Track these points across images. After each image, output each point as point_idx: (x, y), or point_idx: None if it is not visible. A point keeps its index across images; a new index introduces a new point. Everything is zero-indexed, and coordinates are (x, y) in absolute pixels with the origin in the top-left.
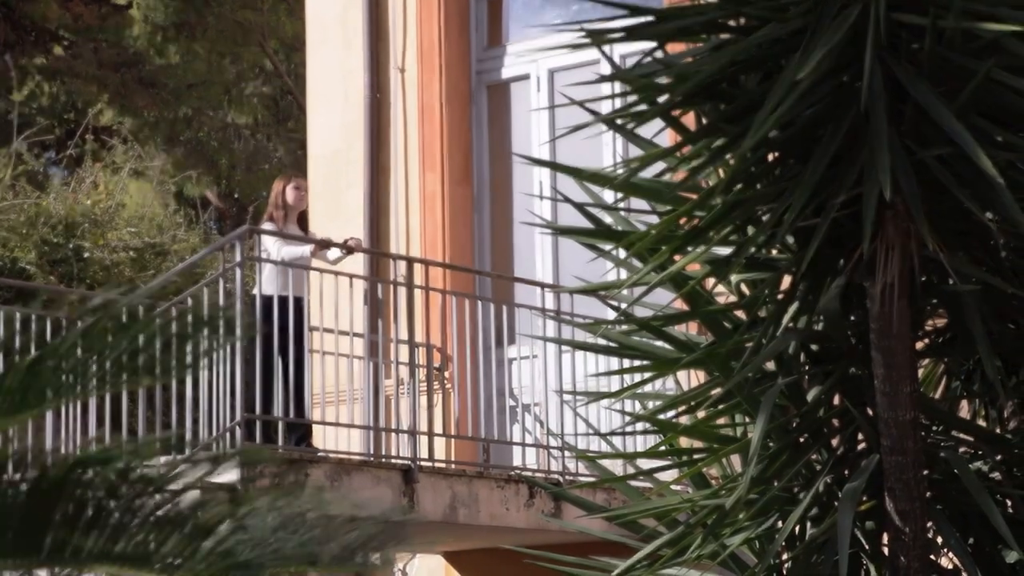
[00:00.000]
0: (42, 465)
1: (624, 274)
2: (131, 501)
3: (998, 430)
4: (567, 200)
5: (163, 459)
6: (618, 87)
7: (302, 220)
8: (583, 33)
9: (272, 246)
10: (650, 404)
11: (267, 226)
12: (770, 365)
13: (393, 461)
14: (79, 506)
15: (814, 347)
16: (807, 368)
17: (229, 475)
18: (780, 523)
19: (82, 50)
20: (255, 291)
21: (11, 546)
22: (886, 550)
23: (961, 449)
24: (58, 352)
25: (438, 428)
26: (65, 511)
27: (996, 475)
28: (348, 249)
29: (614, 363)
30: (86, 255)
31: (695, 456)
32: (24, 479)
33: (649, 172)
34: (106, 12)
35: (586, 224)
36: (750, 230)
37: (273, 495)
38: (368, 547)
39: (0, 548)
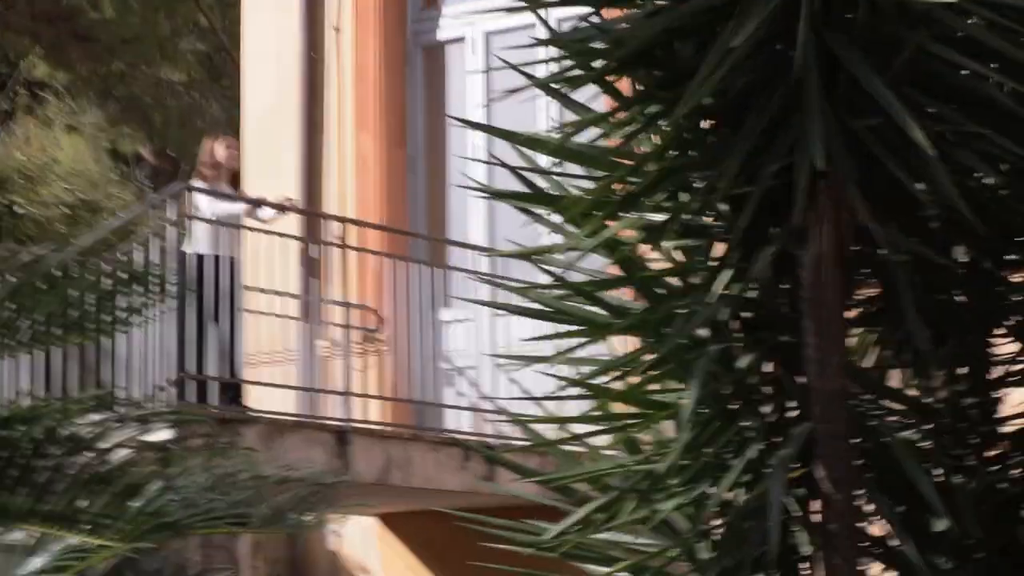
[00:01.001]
0: None
1: (558, 239)
2: (59, 460)
3: (927, 400)
4: (502, 164)
5: (95, 417)
6: (553, 52)
7: (234, 180)
8: None
9: (204, 204)
10: (584, 369)
11: (198, 184)
12: (703, 332)
13: (327, 423)
14: (6, 464)
15: (747, 315)
16: (740, 335)
17: (161, 435)
18: (712, 489)
19: (16, 1)
20: (187, 249)
21: None
22: (817, 518)
23: (891, 418)
24: None
25: (372, 390)
26: None
27: (926, 444)
28: (282, 208)
29: (548, 328)
30: (19, 211)
31: (628, 421)
32: None
33: (584, 137)
34: None
35: (521, 188)
36: (684, 197)
37: (205, 455)
38: (300, 508)
39: None
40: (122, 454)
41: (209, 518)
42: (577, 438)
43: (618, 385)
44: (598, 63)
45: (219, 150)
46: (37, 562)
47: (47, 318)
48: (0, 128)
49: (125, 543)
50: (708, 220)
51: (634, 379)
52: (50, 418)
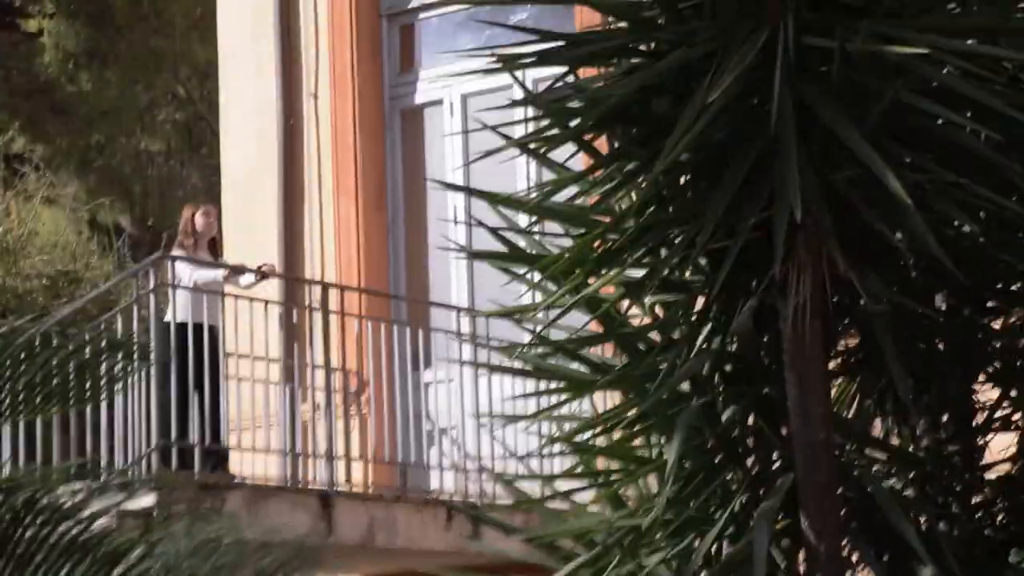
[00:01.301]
0: None
1: (539, 297)
2: (39, 530)
3: (911, 448)
4: (481, 224)
5: (77, 485)
6: (531, 112)
7: (212, 247)
8: (495, 58)
9: (184, 272)
10: (566, 426)
11: (178, 253)
12: (685, 386)
13: (310, 487)
14: None
15: (728, 368)
16: (721, 389)
17: (145, 502)
18: (697, 543)
19: None
20: (167, 318)
21: None
22: (803, 568)
23: (875, 467)
24: None
25: (355, 452)
26: None
27: (909, 492)
28: (262, 275)
29: (530, 386)
30: None
31: (612, 477)
32: None
33: (562, 196)
34: (17, 39)
35: (501, 248)
36: (663, 252)
37: (187, 521)
38: (283, 572)
39: None
40: (104, 522)
41: None
42: (562, 495)
43: (601, 441)
44: (575, 122)
45: (198, 219)
46: None
47: (27, 388)
48: None
49: None
50: (688, 275)
51: (617, 434)
52: (30, 488)
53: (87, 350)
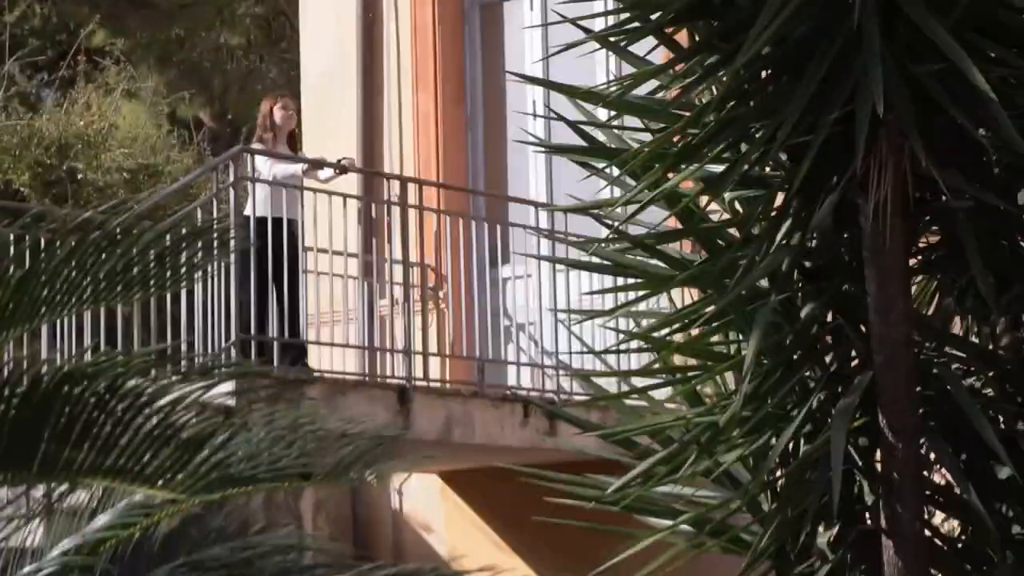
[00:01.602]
0: (32, 379)
1: (617, 192)
2: (122, 415)
3: (991, 347)
4: (560, 118)
5: (156, 374)
6: (611, 4)
7: (291, 141)
8: None
9: (263, 166)
10: (644, 322)
11: (257, 147)
12: (763, 283)
13: (388, 381)
14: (71, 420)
15: (807, 264)
16: (800, 285)
17: (224, 392)
18: (774, 440)
19: None
20: (247, 212)
21: (4, 459)
22: (879, 466)
23: (954, 366)
24: (49, 266)
25: (433, 348)
26: (57, 424)
27: (989, 391)
28: (341, 169)
29: (608, 281)
30: (80, 176)
31: (689, 374)
32: (16, 393)
33: (642, 90)
34: None
35: (580, 142)
36: (743, 147)
37: (268, 410)
38: (362, 463)
39: None
40: (184, 409)
41: (273, 471)
42: (638, 391)
43: (679, 337)
44: (656, 15)
45: (276, 112)
46: (103, 519)
47: (108, 275)
48: (61, 96)
49: (189, 496)
50: (768, 170)
51: (695, 331)
52: (112, 372)
53: (167, 238)
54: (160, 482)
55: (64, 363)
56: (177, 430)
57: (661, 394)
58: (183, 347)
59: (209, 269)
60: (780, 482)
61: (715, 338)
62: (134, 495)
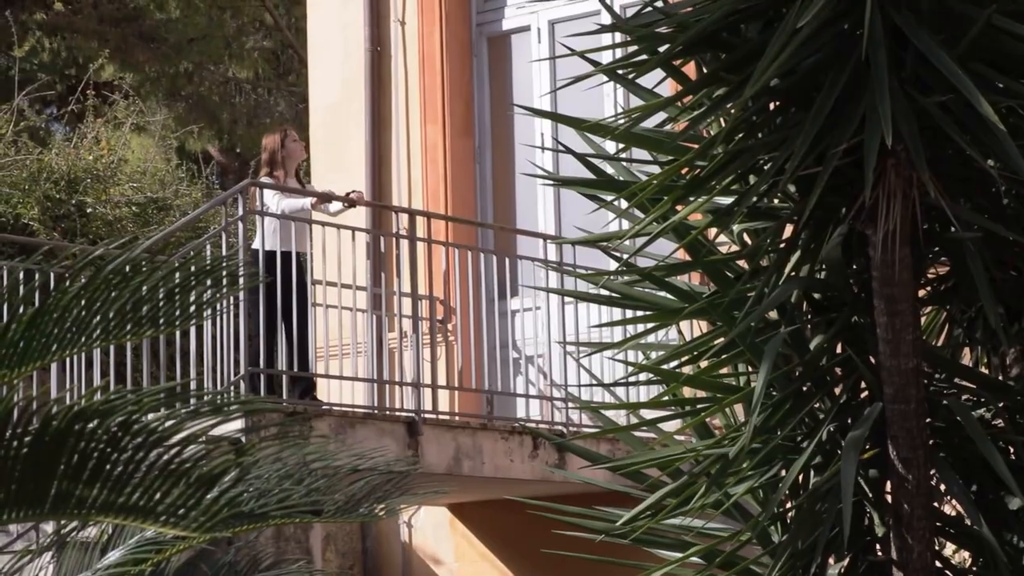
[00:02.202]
0: (45, 417)
1: (626, 224)
2: (134, 452)
3: (1000, 377)
4: (568, 151)
5: (167, 411)
6: (618, 37)
7: (298, 175)
8: None
9: (272, 200)
10: (653, 354)
11: (265, 180)
12: (773, 314)
13: (397, 414)
14: (82, 458)
15: (816, 296)
16: (809, 317)
17: (234, 427)
18: (783, 472)
19: (82, 5)
20: (256, 245)
21: (16, 497)
22: (889, 498)
23: (964, 396)
24: (60, 304)
25: (442, 380)
26: (68, 462)
27: (999, 422)
28: (350, 202)
29: (617, 314)
30: (89, 210)
31: (698, 406)
32: (28, 431)
33: (650, 122)
34: None
35: (588, 175)
36: (752, 179)
37: (278, 446)
38: (372, 498)
39: (5, 500)
40: (196, 445)
41: (283, 507)
42: (648, 424)
43: (688, 369)
44: (663, 47)
45: (289, 144)
46: (114, 556)
47: (118, 313)
48: (70, 130)
49: (201, 533)
50: (776, 202)
51: (704, 363)
52: (124, 410)
53: (177, 275)
54: (171, 519)
55: (76, 401)
56: (188, 467)
57: (670, 426)
58: (192, 381)
59: (219, 303)
60: (790, 514)
61: (724, 370)
62: (145, 532)
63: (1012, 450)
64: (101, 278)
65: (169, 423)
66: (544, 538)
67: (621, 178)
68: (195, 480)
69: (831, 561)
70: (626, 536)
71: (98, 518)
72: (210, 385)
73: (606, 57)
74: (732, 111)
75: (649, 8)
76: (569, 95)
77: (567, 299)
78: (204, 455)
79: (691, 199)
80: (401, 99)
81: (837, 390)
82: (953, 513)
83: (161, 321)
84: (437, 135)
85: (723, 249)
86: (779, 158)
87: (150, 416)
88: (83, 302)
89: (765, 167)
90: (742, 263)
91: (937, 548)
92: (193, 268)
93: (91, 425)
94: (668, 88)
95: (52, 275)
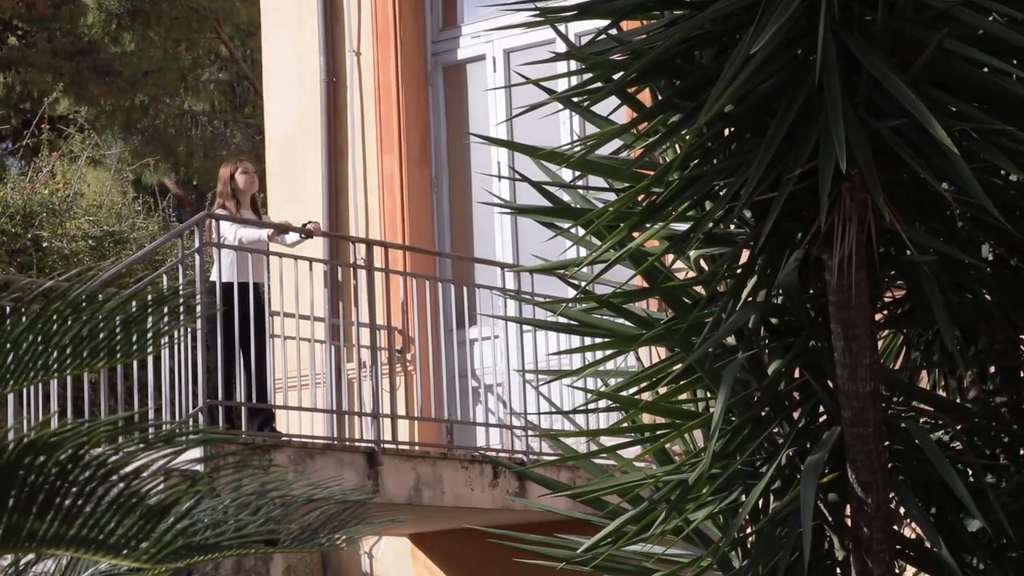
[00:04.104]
0: None
1: (583, 252)
2: (84, 484)
3: (958, 400)
4: (525, 179)
5: (120, 443)
6: (573, 65)
7: (254, 206)
8: (537, 12)
9: (228, 231)
10: (612, 381)
11: (221, 212)
12: (730, 339)
13: (357, 444)
14: (33, 490)
15: (774, 320)
16: (767, 342)
17: (191, 458)
18: (743, 497)
19: (36, 39)
20: (213, 277)
21: None
22: (849, 521)
23: (922, 419)
24: (11, 336)
25: (401, 410)
26: (19, 495)
27: (957, 445)
28: (307, 233)
29: (575, 341)
30: (45, 244)
31: (657, 432)
32: None
33: (606, 149)
34: (59, 1)
35: (544, 203)
36: (708, 205)
37: (234, 476)
38: (329, 527)
39: None
40: (150, 476)
41: (239, 538)
42: (607, 451)
43: (647, 396)
44: (618, 75)
45: (238, 177)
46: None
47: (73, 342)
48: (25, 164)
49: (154, 565)
50: (733, 227)
51: (663, 389)
52: (74, 442)
53: (132, 305)
54: (123, 551)
55: (26, 433)
56: (141, 498)
57: (630, 453)
58: (151, 413)
59: (176, 334)
60: (751, 539)
61: (683, 396)
62: (99, 564)
63: (971, 472)
64: (53, 309)
65: (120, 455)
66: (505, 567)
67: (577, 205)
68: (148, 511)
69: None
70: (587, 563)
71: (49, 551)
72: (168, 418)
73: (561, 85)
74: (687, 137)
75: (603, 36)
76: (525, 123)
77: (526, 327)
78: (157, 486)
79: (647, 226)
80: (357, 129)
81: (796, 414)
82: (913, 536)
83: (117, 351)
84: (394, 165)
85: (680, 275)
86: (734, 184)
87: (102, 448)
88: (35, 334)
89: (721, 193)
90: (699, 289)
91: (897, 571)
92: (148, 298)
93: (41, 457)
94: (623, 115)
95: (6, 307)
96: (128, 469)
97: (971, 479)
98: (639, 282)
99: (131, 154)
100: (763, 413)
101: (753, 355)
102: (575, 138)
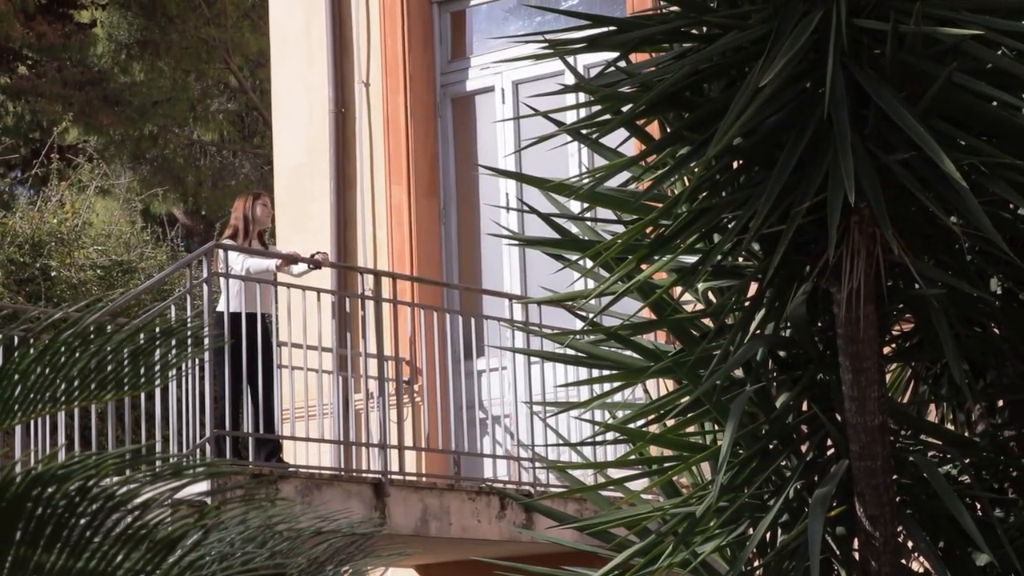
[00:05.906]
0: (2, 481)
1: (591, 284)
2: (92, 517)
3: (966, 433)
4: (533, 211)
5: (128, 475)
6: (582, 97)
7: (261, 238)
8: (546, 44)
9: (236, 261)
10: (619, 413)
11: (228, 243)
12: (738, 372)
13: (364, 475)
14: (40, 523)
15: (782, 353)
16: (775, 375)
17: (198, 490)
18: (751, 530)
19: (46, 69)
20: (221, 307)
21: None
22: (857, 555)
23: (930, 453)
24: (19, 367)
25: (408, 441)
26: (27, 527)
27: (965, 478)
28: (315, 264)
29: (583, 373)
30: (53, 274)
31: (665, 464)
32: None
33: (614, 182)
34: (70, 31)
35: (552, 235)
36: (716, 238)
37: (241, 509)
38: (336, 560)
39: None
40: (157, 509)
41: (246, 571)
42: (615, 483)
43: (654, 428)
44: (627, 107)
45: (258, 208)
46: None
47: (81, 374)
48: (34, 194)
49: None
50: (741, 260)
51: (670, 422)
52: (82, 474)
53: (140, 337)
54: None
55: (34, 466)
56: (149, 531)
57: (637, 485)
58: (158, 443)
59: (183, 365)
60: (758, 572)
61: (691, 428)
62: None
63: (979, 506)
64: (61, 340)
65: (128, 487)
66: None
67: (586, 237)
68: (155, 544)
69: None
70: None
71: None
72: (175, 448)
73: (570, 117)
74: (696, 170)
75: (612, 68)
76: (533, 155)
77: (533, 359)
78: (166, 519)
79: (656, 258)
80: (366, 160)
81: (803, 447)
82: (920, 570)
83: (125, 383)
84: (402, 196)
85: (688, 308)
86: (743, 216)
87: (110, 480)
88: (43, 365)
89: (729, 226)
90: (707, 321)
91: None
92: (157, 330)
93: (49, 490)
94: (632, 147)
95: (15, 338)
96: (136, 502)
97: (979, 513)
98: (647, 314)
99: (140, 184)
100: (771, 446)
101: (761, 388)
102: (584, 170)
